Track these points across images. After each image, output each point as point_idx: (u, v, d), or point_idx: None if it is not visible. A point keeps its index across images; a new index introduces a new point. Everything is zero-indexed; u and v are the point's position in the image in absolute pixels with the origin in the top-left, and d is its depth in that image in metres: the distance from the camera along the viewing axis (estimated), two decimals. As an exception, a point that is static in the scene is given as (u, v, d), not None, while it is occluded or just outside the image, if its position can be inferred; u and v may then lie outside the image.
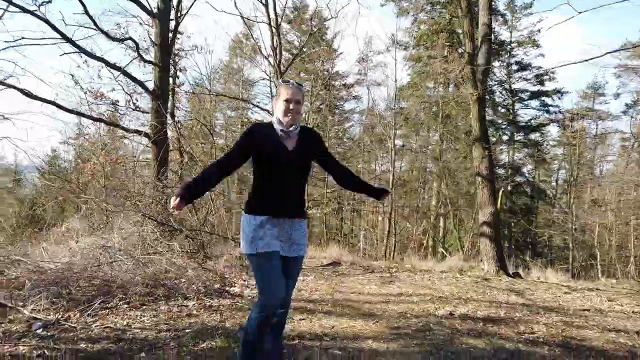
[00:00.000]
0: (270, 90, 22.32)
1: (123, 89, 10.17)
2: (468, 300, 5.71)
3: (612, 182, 20.39)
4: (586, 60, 7.21)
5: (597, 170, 28.15)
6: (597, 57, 7.48)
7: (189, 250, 7.08)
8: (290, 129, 2.45)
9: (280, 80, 2.56)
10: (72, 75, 9.11)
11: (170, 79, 12.26)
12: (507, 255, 12.02)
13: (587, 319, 5.04)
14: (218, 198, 8.78)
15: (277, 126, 2.47)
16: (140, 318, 4.10)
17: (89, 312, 4.09)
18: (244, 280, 6.08)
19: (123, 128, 9.51)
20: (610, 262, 19.67)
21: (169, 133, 9.94)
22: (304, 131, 2.57)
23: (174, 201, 2.23)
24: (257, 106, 19.78)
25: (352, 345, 3.63)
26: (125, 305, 4.40)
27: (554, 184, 29.10)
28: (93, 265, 5.23)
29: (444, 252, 18.34)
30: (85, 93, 9.72)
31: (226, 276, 6.17)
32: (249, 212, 2.45)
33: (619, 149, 27.10)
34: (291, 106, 2.43)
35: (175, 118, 11.80)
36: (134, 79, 8.93)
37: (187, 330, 3.80)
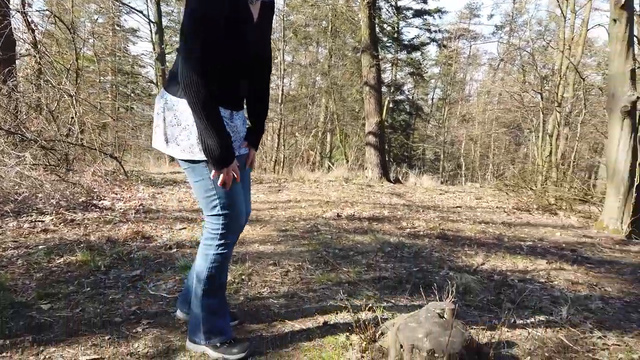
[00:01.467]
0: (143, -10, 19.67)
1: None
2: (354, 203, 5.81)
3: (480, 95, 22.28)
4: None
5: (467, 88, 30.57)
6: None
7: (47, 163, 6.12)
8: None
9: None
10: None
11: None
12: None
13: (460, 215, 5.44)
14: (82, 105, 7.62)
15: None
16: (-22, 237, 3.40)
17: None
18: (116, 193, 5.45)
19: (-55, 17, 7.55)
20: (473, 170, 22.07)
21: (17, 34, 8.19)
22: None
23: (226, 177, 1.62)
24: (130, 7, 17.26)
25: (236, 249, 3.40)
26: (-42, 224, 3.62)
27: (430, 102, 31.04)
28: None
29: (331, 166, 18.89)
30: None
31: (94, 190, 5.47)
32: None
33: (487, 68, 29.47)
34: None
35: (26, 13, 9.75)
36: (-48, -48, 6.97)
37: (40, 247, 3.23)
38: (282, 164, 17.35)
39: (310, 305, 2.36)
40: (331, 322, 2.14)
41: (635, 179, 4.87)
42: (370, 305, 2.24)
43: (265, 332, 2.03)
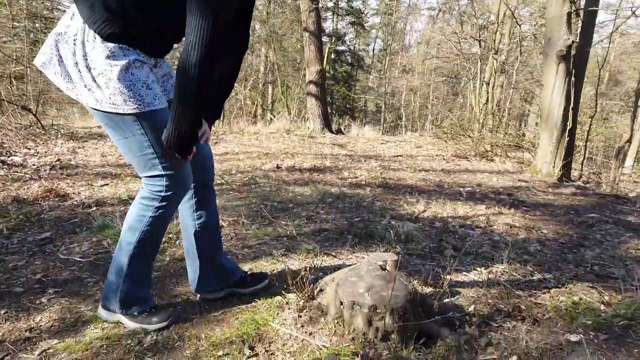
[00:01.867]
0: None
1: None
2: (295, 155, 5.60)
3: (419, 45, 22.31)
4: None
5: (408, 38, 30.55)
6: None
7: (-57, 117, 5.37)
8: None
9: None
10: None
11: None
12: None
13: (400, 163, 5.39)
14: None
15: None
16: None
17: None
18: (29, 149, 4.89)
19: None
20: (413, 120, 22.44)
21: None
22: None
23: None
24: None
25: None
26: None
27: (371, 52, 30.78)
28: None
29: (272, 118, 18.43)
30: None
31: (4, 145, 4.87)
32: (130, 45, 1.32)
33: (426, 19, 29.42)
34: None
35: None
36: None
37: None
38: (221, 117, 16.69)
39: (244, 263, 2.17)
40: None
41: (568, 123, 5.00)
42: (309, 260, 2.09)
43: (193, 295, 1.82)
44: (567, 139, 5.03)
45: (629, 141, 9.40)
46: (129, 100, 1.31)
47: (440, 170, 5.03)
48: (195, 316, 1.66)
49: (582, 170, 5.62)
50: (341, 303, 1.57)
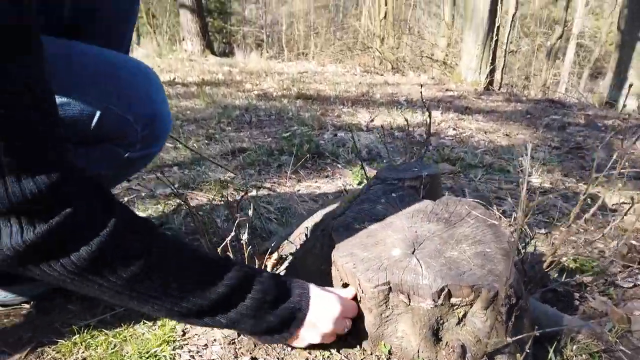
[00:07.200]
0: None
1: None
2: (174, 71, 4.30)
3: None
4: None
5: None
6: None
7: None
8: None
9: None
10: None
11: None
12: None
13: (310, 77, 4.42)
14: None
15: None
16: None
17: None
18: None
19: None
20: (298, 49, 21.26)
21: None
22: None
23: None
24: None
25: None
26: None
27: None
28: None
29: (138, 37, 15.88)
30: None
31: None
32: None
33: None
34: None
35: None
36: None
37: None
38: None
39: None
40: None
41: (497, 19, 4.36)
42: (228, 196, 1.07)
43: None
44: (494, 39, 4.43)
45: (560, 37, 8.29)
46: None
47: (359, 84, 4.16)
48: None
49: (502, 77, 5.15)
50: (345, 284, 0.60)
